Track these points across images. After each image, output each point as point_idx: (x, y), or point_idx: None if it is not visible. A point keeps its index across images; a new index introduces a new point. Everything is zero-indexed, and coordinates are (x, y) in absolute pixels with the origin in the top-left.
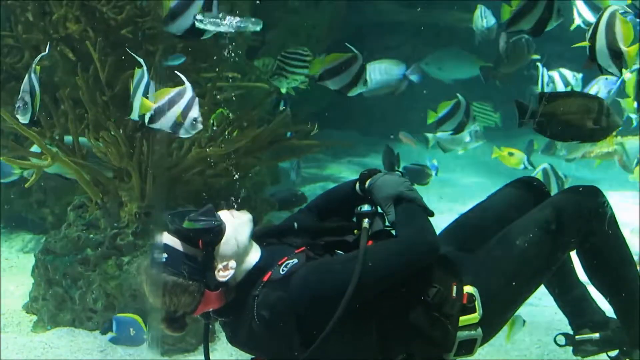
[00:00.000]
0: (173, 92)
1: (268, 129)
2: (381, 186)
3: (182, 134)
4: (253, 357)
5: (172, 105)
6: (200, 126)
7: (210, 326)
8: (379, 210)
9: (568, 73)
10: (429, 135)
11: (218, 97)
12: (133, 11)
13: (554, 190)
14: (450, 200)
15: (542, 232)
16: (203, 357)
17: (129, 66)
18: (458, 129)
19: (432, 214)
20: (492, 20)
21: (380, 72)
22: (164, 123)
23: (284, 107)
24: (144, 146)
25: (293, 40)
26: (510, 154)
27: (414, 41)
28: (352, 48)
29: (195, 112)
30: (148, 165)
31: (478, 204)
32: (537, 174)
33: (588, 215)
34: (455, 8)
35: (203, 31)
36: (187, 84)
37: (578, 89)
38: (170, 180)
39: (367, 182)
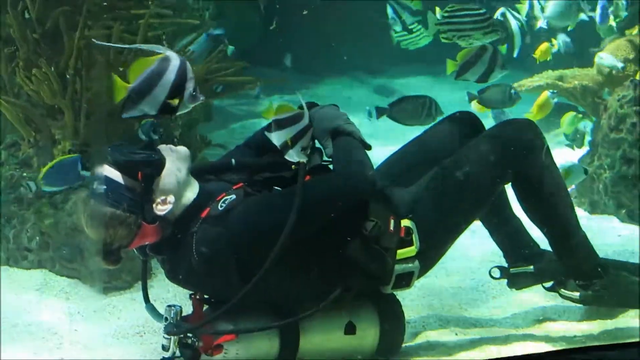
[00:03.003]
0: (293, 113)
1: (202, 65)
2: (319, 119)
3: (288, 156)
4: (192, 293)
5: (287, 125)
6: (305, 158)
7: (148, 263)
8: (317, 144)
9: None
10: (539, 15)
11: (149, 34)
12: None
13: (515, 31)
14: (383, 136)
15: (479, 165)
16: (139, 294)
17: (58, 3)
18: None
19: (369, 147)
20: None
21: None
22: (276, 139)
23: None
24: (77, 84)
25: None
26: None
27: None
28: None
29: (305, 142)
30: (82, 102)
31: (415, 138)
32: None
33: (524, 147)
34: None
35: None
36: (306, 111)
37: None
38: (105, 118)
39: None
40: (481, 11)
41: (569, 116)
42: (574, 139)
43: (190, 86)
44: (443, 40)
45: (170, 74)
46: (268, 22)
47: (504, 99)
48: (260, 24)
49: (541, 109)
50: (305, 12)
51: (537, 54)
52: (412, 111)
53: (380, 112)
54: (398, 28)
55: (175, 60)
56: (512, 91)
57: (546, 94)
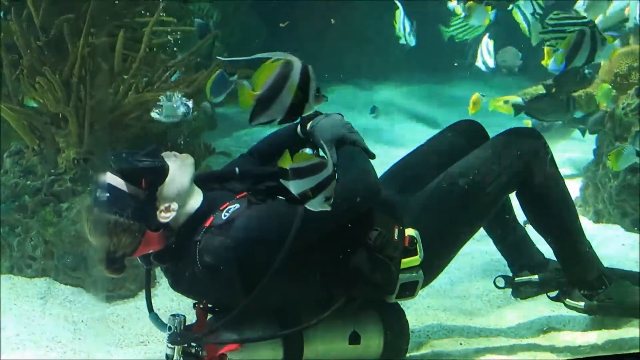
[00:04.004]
0: (313, 162)
1: (206, 73)
2: (323, 128)
3: (310, 206)
4: (195, 302)
5: (308, 174)
6: (329, 207)
7: (151, 272)
8: (321, 153)
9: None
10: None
11: (153, 40)
12: None
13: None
14: (386, 144)
15: (483, 173)
16: (142, 303)
17: (62, 11)
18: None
19: (373, 157)
20: None
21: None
22: (296, 187)
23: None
24: (81, 92)
25: None
26: (506, 102)
27: None
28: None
29: (329, 192)
30: (85, 110)
31: (419, 147)
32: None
33: (529, 156)
34: None
35: None
36: (330, 160)
37: None
38: (108, 126)
39: (309, 125)
40: (585, 20)
41: (604, 88)
42: (593, 124)
43: (313, 87)
44: (547, 49)
45: (294, 78)
46: (273, 29)
47: (579, 81)
48: (264, 29)
49: None
50: (333, 21)
51: (546, 61)
52: (549, 108)
53: (517, 109)
54: (413, 43)
55: (297, 63)
56: (585, 71)
57: None
